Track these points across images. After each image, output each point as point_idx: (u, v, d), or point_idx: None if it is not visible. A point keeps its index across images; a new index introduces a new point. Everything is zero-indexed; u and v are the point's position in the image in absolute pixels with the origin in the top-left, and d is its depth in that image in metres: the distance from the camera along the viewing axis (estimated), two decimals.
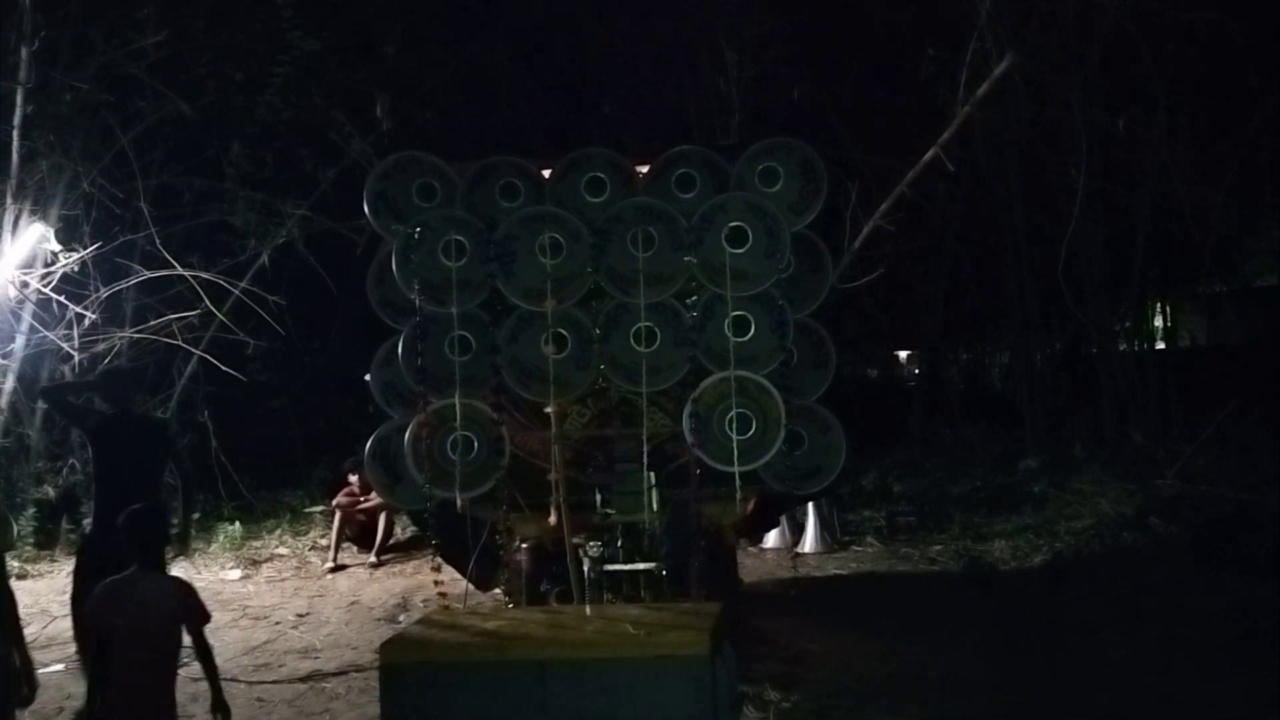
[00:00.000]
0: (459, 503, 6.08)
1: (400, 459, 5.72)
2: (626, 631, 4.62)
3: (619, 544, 5.62)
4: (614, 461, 5.73)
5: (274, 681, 7.05)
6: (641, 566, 5.55)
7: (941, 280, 17.07)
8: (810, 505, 10.59)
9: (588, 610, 5.11)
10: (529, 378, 5.45)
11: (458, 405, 5.31)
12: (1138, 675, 6.36)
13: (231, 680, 7.12)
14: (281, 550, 11.73)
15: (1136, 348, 16.48)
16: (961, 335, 21.76)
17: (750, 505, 6.82)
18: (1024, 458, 12.67)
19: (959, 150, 11.90)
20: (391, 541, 11.22)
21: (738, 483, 5.33)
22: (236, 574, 10.61)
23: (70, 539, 11.77)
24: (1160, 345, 19.55)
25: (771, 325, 5.45)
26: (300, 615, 8.95)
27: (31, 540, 11.54)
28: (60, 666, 7.62)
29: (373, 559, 10.86)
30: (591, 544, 5.51)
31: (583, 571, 5.49)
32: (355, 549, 11.28)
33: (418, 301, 5.33)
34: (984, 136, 13.71)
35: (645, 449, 5.39)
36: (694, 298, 5.51)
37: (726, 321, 5.56)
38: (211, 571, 10.74)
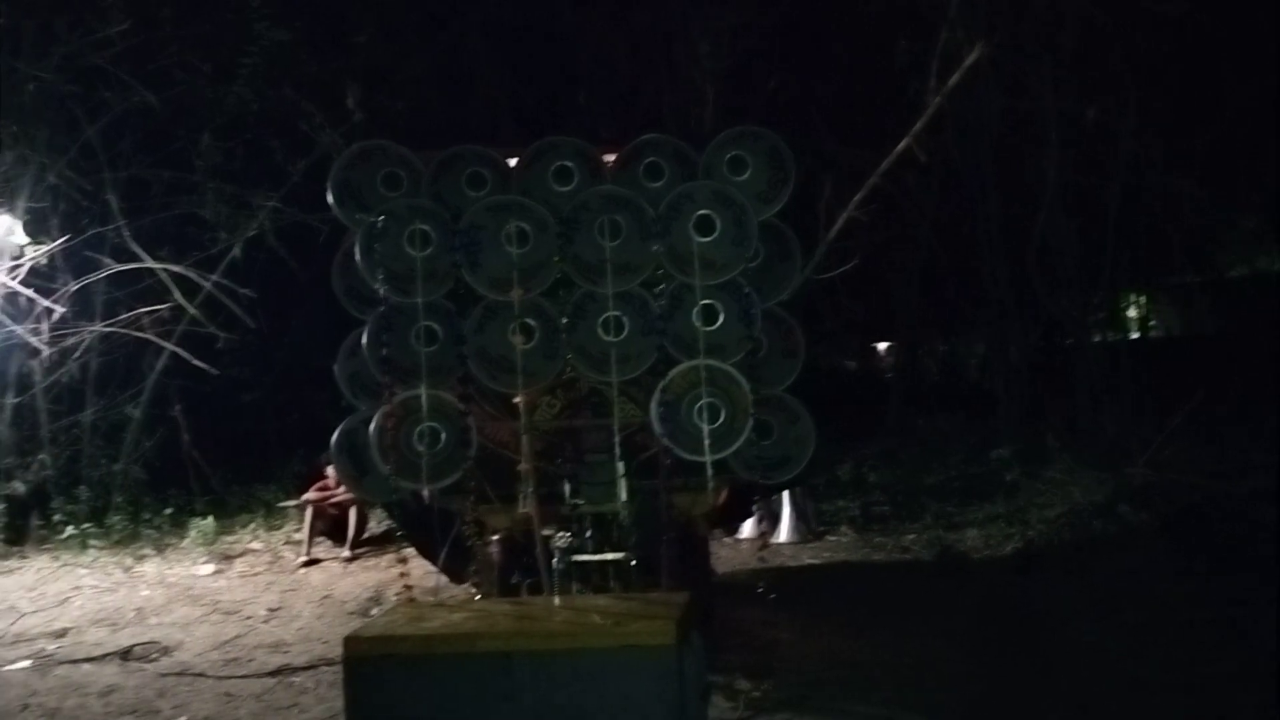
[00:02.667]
0: (426, 494, 6.06)
1: (367, 451, 5.67)
2: (594, 621, 4.59)
3: (588, 535, 5.58)
4: (583, 452, 5.71)
5: (243, 676, 6.99)
6: (611, 557, 5.52)
7: (916, 271, 17.13)
8: (785, 496, 10.60)
9: (556, 601, 5.09)
10: (496, 368, 5.41)
11: (424, 396, 5.26)
12: (1110, 661, 6.39)
13: (199, 675, 7.12)
14: (255, 545, 11.65)
15: (1110, 338, 16.58)
16: (938, 326, 21.86)
17: (721, 495, 6.82)
18: (997, 447, 12.71)
19: (932, 141, 11.93)
20: (365, 535, 11.15)
21: (709, 472, 5.30)
22: (209, 569, 10.53)
23: (40, 534, 11.69)
24: (1134, 335, 19.70)
25: (739, 314, 5.44)
26: (271, 610, 8.89)
27: (1, 536, 11.44)
28: (27, 663, 7.55)
29: (346, 553, 10.79)
30: (560, 535, 5.49)
31: (551, 563, 5.47)
32: (330, 543, 11.20)
33: (382, 292, 5.28)
34: (956, 127, 13.76)
35: (616, 439, 5.35)
36: (661, 286, 5.48)
37: (695, 310, 5.53)
38: (184, 566, 10.65)
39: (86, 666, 7.46)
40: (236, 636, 8.12)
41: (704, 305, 5.54)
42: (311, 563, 10.69)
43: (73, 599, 9.51)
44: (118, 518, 11.83)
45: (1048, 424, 13.45)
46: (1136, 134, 13.24)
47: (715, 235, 5.48)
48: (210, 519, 11.69)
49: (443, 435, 5.40)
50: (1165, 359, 16.72)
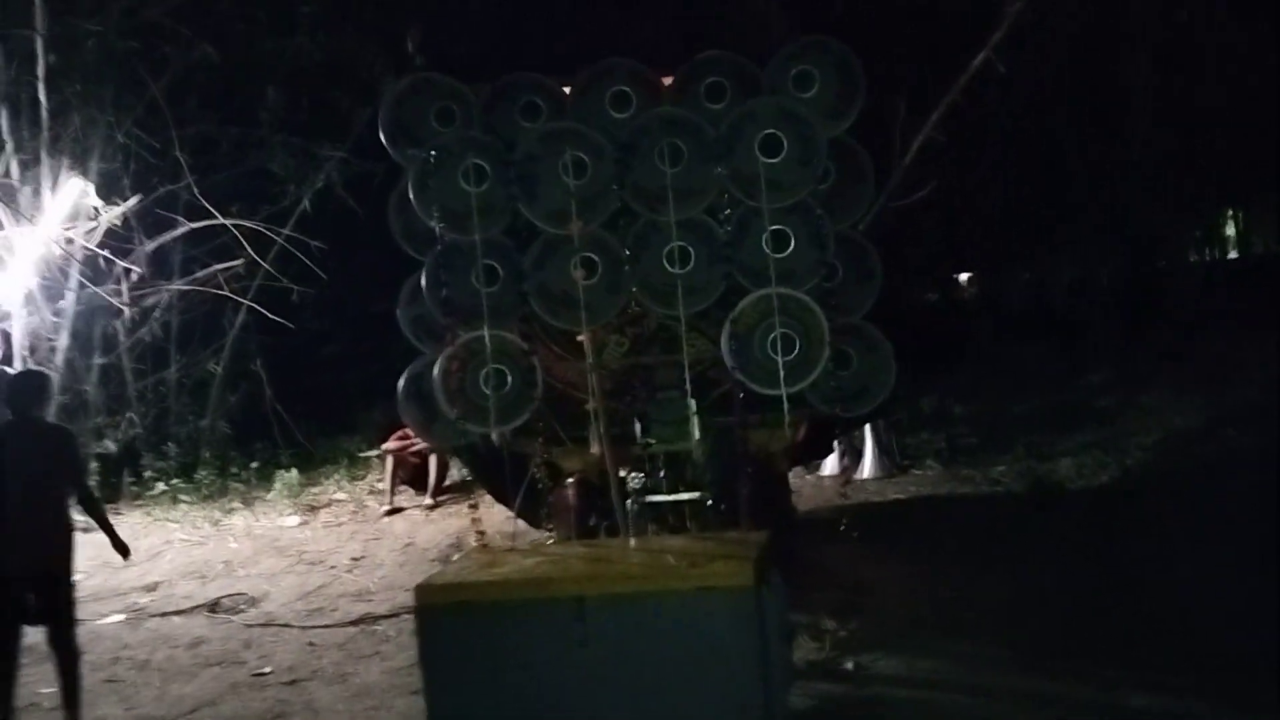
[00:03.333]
0: (497, 438, 5.94)
1: (434, 396, 5.55)
2: (668, 563, 4.44)
3: (661, 475, 5.40)
4: (654, 390, 5.51)
5: (325, 626, 7.01)
6: (685, 497, 5.34)
7: (998, 195, 16.47)
8: (868, 430, 10.33)
9: (631, 544, 4.94)
10: (559, 305, 5.23)
11: (487, 337, 5.10)
12: (1216, 595, 6.04)
13: (284, 626, 7.16)
14: (340, 495, 11.75)
15: (1207, 257, 15.88)
16: (1022, 253, 21.08)
17: (801, 430, 6.60)
18: (1088, 374, 12.23)
19: (1012, 53, 11.33)
20: (447, 483, 11.15)
21: (785, 405, 5.07)
22: (294, 520, 10.63)
23: (133, 491, 11.94)
24: (1233, 254, 18.85)
25: (811, 238, 5.17)
26: (355, 559, 8.93)
27: (97, 494, 11.66)
28: (120, 617, 7.67)
29: (428, 501, 10.80)
30: (633, 476, 5.33)
31: (625, 505, 5.32)
32: (412, 491, 11.23)
33: (438, 230, 5.12)
34: (1038, 37, 13.04)
35: (686, 375, 5.14)
36: (727, 212, 5.22)
37: (764, 236, 5.27)
38: (270, 519, 10.77)
39: (176, 619, 7.56)
40: (320, 586, 8.16)
41: (773, 230, 5.27)
42: (394, 511, 10.72)
43: (164, 553, 9.66)
44: (205, 473, 12.00)
45: (1141, 349, 12.93)
46: (1227, 36, 12.49)
47: (782, 155, 5.18)
48: (294, 471, 11.80)
49: (508, 377, 5.24)
50: (1266, 277, 15.94)
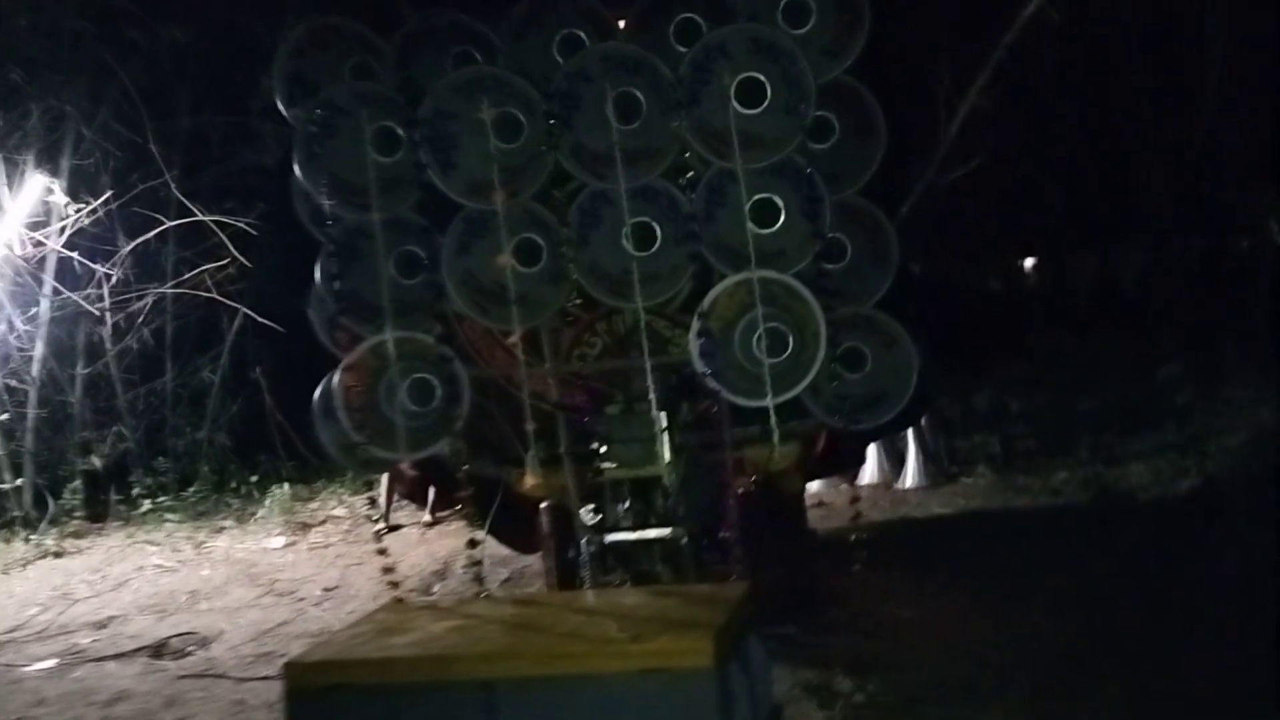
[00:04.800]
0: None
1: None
2: (609, 634, 3.39)
3: (625, 507, 4.35)
4: (614, 401, 4.46)
5: (264, 678, 6.04)
6: (654, 534, 4.28)
7: (1061, 170, 15.10)
8: (910, 432, 9.18)
9: (576, 599, 3.91)
10: (488, 299, 4.19)
11: (391, 341, 4.08)
12: None
13: (220, 677, 6.24)
14: (338, 511, 10.90)
15: None
16: (1089, 234, 19.60)
17: (818, 441, 5.51)
18: (1163, 366, 10.89)
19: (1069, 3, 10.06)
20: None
21: (772, 420, 4.00)
22: (280, 542, 9.77)
23: (120, 510, 11.16)
24: None
25: (801, 206, 4.07)
26: (327, 590, 8.02)
27: (81, 513, 10.92)
28: (52, 663, 6.80)
29: (427, 518, 9.86)
30: (587, 509, 4.30)
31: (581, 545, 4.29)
32: (416, 507, 10.29)
33: (329, 209, 4.12)
34: None
35: (652, 383, 4.10)
36: (690, 175, 4.14)
37: (745, 205, 4.19)
38: (256, 539, 9.91)
39: (111, 665, 6.68)
40: (281, 624, 7.26)
41: (756, 199, 4.19)
42: (391, 529, 9.80)
43: (132, 581, 8.86)
44: (199, 489, 11.21)
45: (1222, 337, 11.57)
46: None
47: (764, 103, 4.09)
48: (285, 487, 10.92)
49: (426, 390, 4.21)
50: None
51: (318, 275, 4.26)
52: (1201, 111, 12.93)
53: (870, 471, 9.36)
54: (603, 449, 4.34)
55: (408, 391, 4.18)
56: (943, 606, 5.99)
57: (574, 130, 4.02)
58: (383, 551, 4.69)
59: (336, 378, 4.21)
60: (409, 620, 3.82)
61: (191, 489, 11.17)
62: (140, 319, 11.25)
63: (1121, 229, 18.36)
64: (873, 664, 5.09)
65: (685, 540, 4.30)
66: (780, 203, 4.21)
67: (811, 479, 6.78)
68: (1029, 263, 23.74)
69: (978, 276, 21.53)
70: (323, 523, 10.50)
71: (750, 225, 4.22)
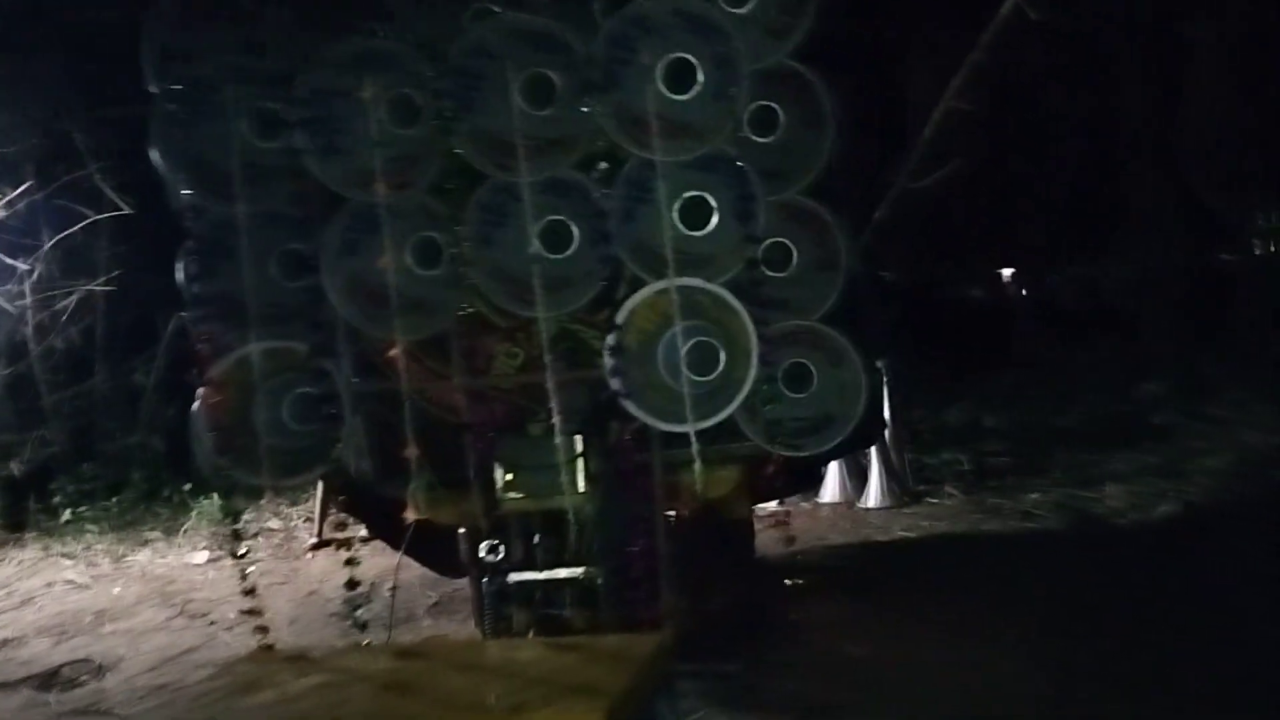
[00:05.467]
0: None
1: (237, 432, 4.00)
2: (487, 702, 2.88)
3: (535, 543, 3.83)
4: (520, 423, 3.94)
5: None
6: (564, 574, 3.76)
7: (1043, 177, 14.66)
8: (874, 448, 8.68)
9: (461, 652, 3.38)
10: (376, 305, 3.65)
11: (256, 353, 3.54)
12: None
13: (104, 714, 5.67)
14: (273, 524, 10.28)
15: (1275, 249, 14.05)
16: (1071, 243, 19.18)
17: (765, 464, 4.99)
18: (1144, 381, 10.43)
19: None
20: None
21: (693, 446, 3.49)
22: (203, 557, 9.16)
23: (41, 521, 10.54)
24: None
25: (734, 206, 3.56)
26: (244, 612, 7.39)
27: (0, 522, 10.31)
28: None
29: (363, 532, 9.27)
30: (486, 545, 3.77)
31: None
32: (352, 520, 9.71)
33: (191, 201, 3.58)
34: None
35: (555, 401, 3.58)
36: (603, 166, 3.61)
37: (675, 204, 3.68)
38: (179, 554, 9.32)
39: None
40: (185, 651, 6.68)
41: (685, 196, 3.67)
42: (323, 544, 9.21)
43: (39, 599, 8.25)
44: (120, 499, 10.59)
45: (1207, 352, 11.14)
46: None
47: (695, 88, 3.58)
48: (215, 498, 10.29)
49: (306, 407, 3.68)
50: None
51: (179, 276, 3.73)
52: (1187, 118, 12.55)
53: (832, 490, 8.86)
54: (507, 476, 3.81)
55: (282, 409, 3.64)
56: (901, 643, 5.48)
57: (474, 114, 3.49)
58: (250, 591, 4.10)
59: (200, 394, 3.68)
60: (269, 675, 3.29)
61: (116, 498, 10.54)
62: (65, 317, 10.64)
63: (1106, 237, 17.97)
64: (822, 711, 4.60)
65: (601, 581, 3.77)
66: (712, 201, 3.69)
67: (762, 502, 6.26)
68: (1011, 271, 23.36)
69: (959, 284, 21.11)
70: (255, 535, 9.90)
71: (678, 226, 3.70)
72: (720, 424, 3.93)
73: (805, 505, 8.69)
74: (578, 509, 3.83)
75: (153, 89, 3.86)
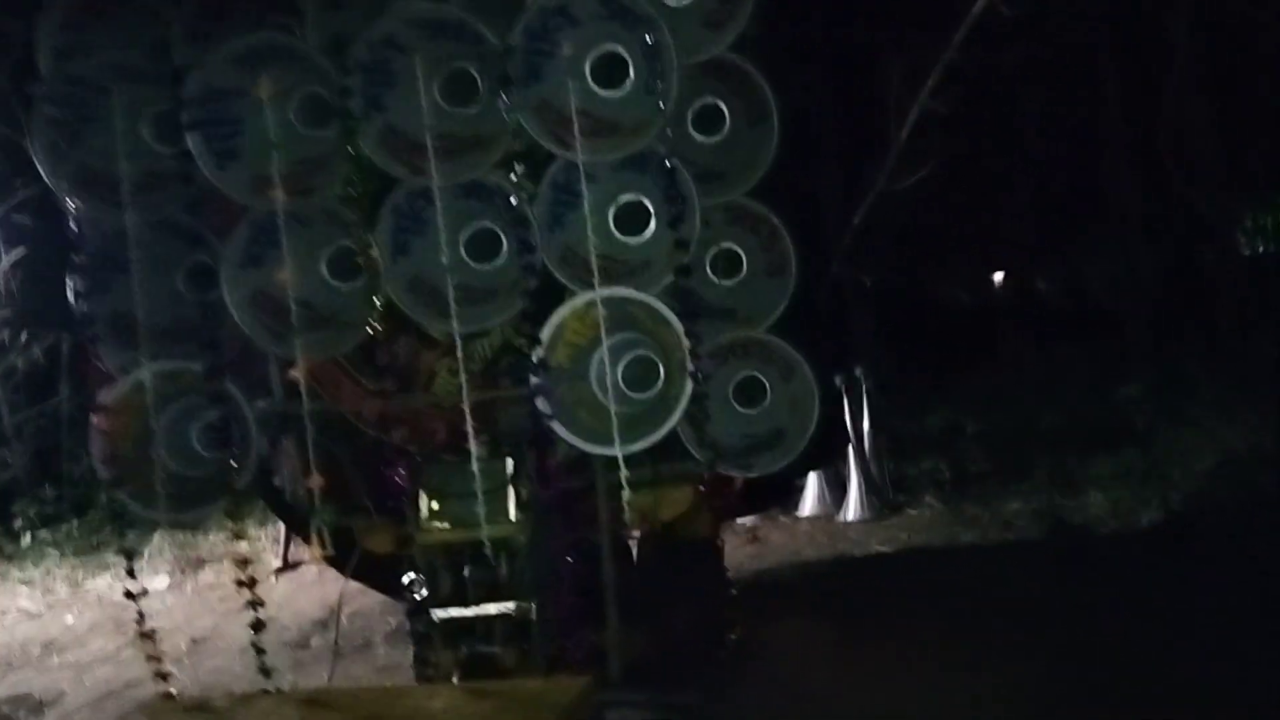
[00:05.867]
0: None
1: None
2: None
3: (465, 575, 3.57)
4: (447, 443, 3.68)
5: None
6: (493, 609, 3.49)
7: (1023, 176, 14.42)
8: (852, 457, 8.45)
9: (371, 699, 3.11)
10: (282, 322, 3.38)
11: (149, 376, 3.27)
12: None
13: None
14: (241, 546, 9.96)
15: (1260, 249, 13.84)
16: (1052, 243, 19.00)
17: (730, 481, 4.74)
18: (1127, 383, 10.17)
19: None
20: None
21: (622, 471, 3.24)
22: (164, 582, 8.89)
23: (2, 546, 10.25)
24: None
25: (668, 209, 3.31)
26: (195, 641, 7.17)
27: None
28: None
29: (277, 563, 9.01)
30: (408, 579, 3.52)
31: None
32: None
33: (73, 208, 3.32)
34: None
35: (469, 425, 3.32)
36: (519, 169, 3.35)
37: (608, 208, 3.43)
38: (142, 578, 8.99)
39: None
40: (130, 684, 6.40)
41: (621, 200, 3.42)
42: (288, 567, 8.94)
43: None
44: (83, 521, 10.30)
45: (1187, 352, 10.91)
46: None
47: (627, 84, 3.33)
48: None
49: (209, 433, 3.41)
50: None
51: (69, 292, 3.46)
52: (1168, 114, 12.32)
53: (811, 502, 8.62)
54: (432, 504, 3.56)
55: (181, 436, 3.38)
56: (873, 666, 5.23)
57: (384, 113, 3.23)
58: (148, 635, 3.84)
59: (94, 420, 3.41)
60: None
61: (79, 520, 10.25)
62: (25, 336, 10.36)
63: (1089, 237, 17.78)
64: None
65: (534, 615, 3.51)
66: (649, 206, 3.44)
67: (727, 519, 5.99)
68: (994, 272, 23.17)
69: (940, 286, 20.93)
70: (221, 556, 9.61)
71: (611, 231, 3.45)
72: (667, 442, 3.69)
73: (784, 519, 8.46)
74: (508, 539, 3.56)
75: (32, 90, 3.58)
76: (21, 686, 6.54)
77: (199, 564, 9.39)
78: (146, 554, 9.74)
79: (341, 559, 5.04)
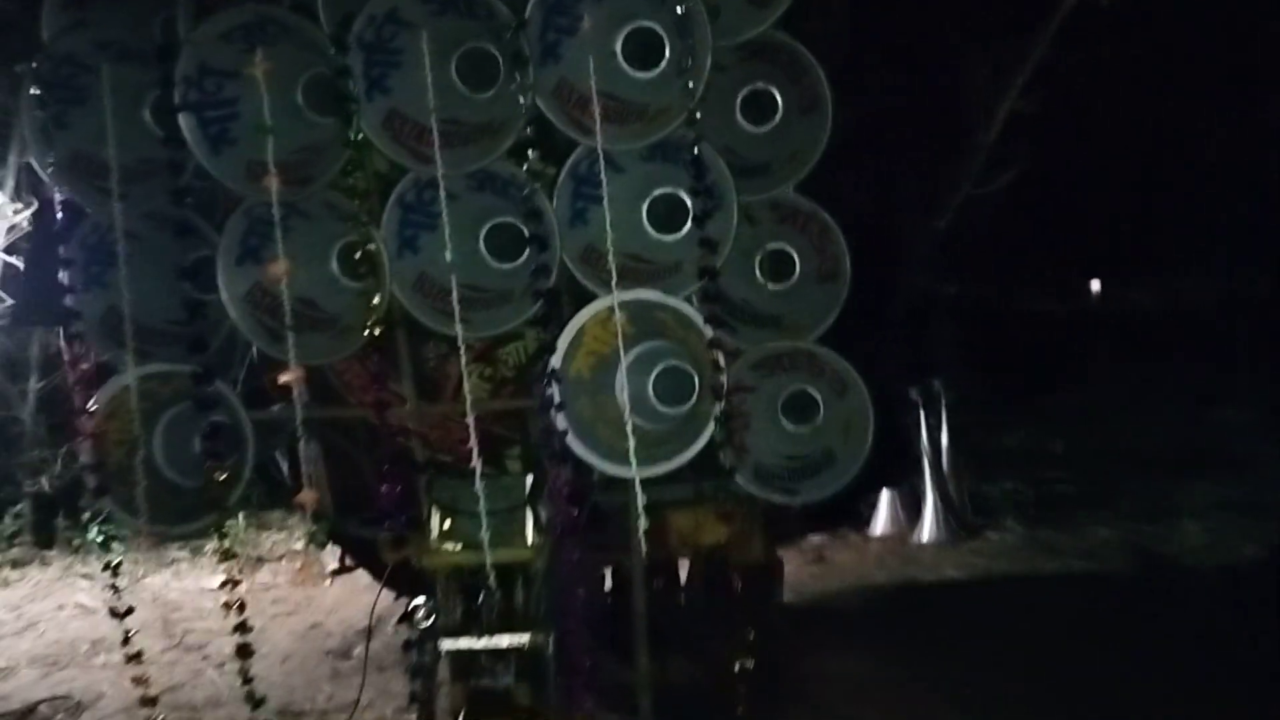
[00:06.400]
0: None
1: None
2: None
3: (479, 603, 3.28)
4: (460, 459, 3.38)
5: None
6: (506, 642, 3.19)
7: (1117, 183, 13.73)
8: (929, 475, 8.01)
9: None
10: (280, 322, 3.11)
11: (133, 382, 3.04)
12: None
13: None
14: (300, 545, 9.90)
15: None
16: (1147, 254, 18.12)
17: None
18: (1225, 406, 9.52)
19: None
20: None
21: (637, 495, 2.91)
22: (219, 581, 8.76)
23: (68, 538, 10.28)
24: None
25: (695, 200, 2.98)
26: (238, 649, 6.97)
27: (26, 539, 10.08)
28: None
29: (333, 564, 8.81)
30: (417, 604, 3.26)
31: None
32: None
33: (58, 197, 3.10)
34: None
35: (473, 433, 3.03)
36: (532, 155, 3.02)
37: (643, 203, 3.12)
38: (197, 577, 8.96)
39: None
40: (169, 689, 6.23)
41: (657, 193, 3.10)
42: (343, 570, 8.75)
43: (43, 624, 7.92)
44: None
45: None
46: None
47: (662, 64, 3.01)
48: (239, 518, 9.93)
49: (199, 442, 3.17)
50: None
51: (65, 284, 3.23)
52: (1277, 120, 11.59)
53: (883, 520, 8.19)
54: (443, 524, 3.27)
55: (174, 443, 3.14)
56: (939, 710, 4.82)
57: (388, 95, 2.95)
58: (135, 656, 3.62)
59: (80, 424, 3.20)
60: None
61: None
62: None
63: (1185, 249, 16.90)
64: None
65: (550, 650, 3.20)
66: (688, 200, 3.11)
67: (784, 542, 5.62)
68: (1085, 283, 22.26)
69: (1026, 297, 20.16)
70: (280, 558, 9.53)
71: (646, 228, 3.13)
72: (708, 461, 3.35)
73: (854, 537, 8.04)
74: (524, 564, 3.26)
75: (20, 68, 3.38)
76: (64, 686, 6.44)
77: (258, 564, 9.32)
78: (209, 549, 9.74)
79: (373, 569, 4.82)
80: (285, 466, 5.14)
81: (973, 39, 9.63)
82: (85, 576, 9.15)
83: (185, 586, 8.74)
